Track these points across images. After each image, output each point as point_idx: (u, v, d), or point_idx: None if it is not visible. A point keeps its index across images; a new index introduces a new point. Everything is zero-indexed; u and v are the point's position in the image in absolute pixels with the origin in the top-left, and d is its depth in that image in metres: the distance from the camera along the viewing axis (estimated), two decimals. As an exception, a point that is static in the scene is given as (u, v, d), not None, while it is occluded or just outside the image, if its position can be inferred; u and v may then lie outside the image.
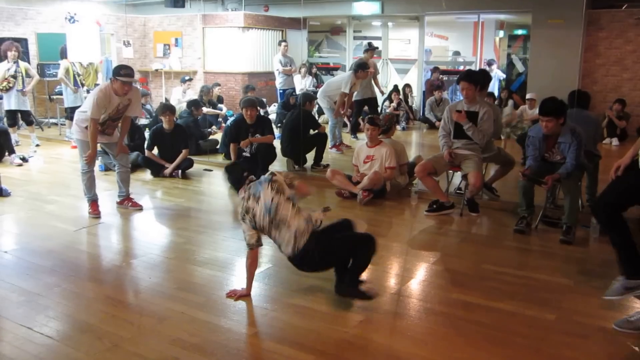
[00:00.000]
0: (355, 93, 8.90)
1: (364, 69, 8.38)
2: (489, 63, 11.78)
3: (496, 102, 9.52)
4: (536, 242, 4.80)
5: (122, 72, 5.03)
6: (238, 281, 3.87)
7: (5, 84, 8.56)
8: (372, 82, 9.43)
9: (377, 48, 9.50)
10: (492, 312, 3.39)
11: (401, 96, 11.59)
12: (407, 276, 3.97)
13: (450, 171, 5.82)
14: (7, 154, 7.79)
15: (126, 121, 5.45)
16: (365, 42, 12.46)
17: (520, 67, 11.37)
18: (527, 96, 9.36)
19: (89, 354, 2.88)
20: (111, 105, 5.12)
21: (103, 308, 3.43)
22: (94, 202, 5.37)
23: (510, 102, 10.21)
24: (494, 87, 10.67)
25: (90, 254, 4.52)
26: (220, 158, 8.09)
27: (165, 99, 11.56)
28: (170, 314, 3.33)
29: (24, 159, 7.86)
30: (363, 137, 6.44)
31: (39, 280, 3.79)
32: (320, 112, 9.65)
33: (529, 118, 9.28)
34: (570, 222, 4.68)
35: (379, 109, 10.47)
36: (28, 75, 8.83)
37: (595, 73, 9.82)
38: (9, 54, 8.54)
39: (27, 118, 9.08)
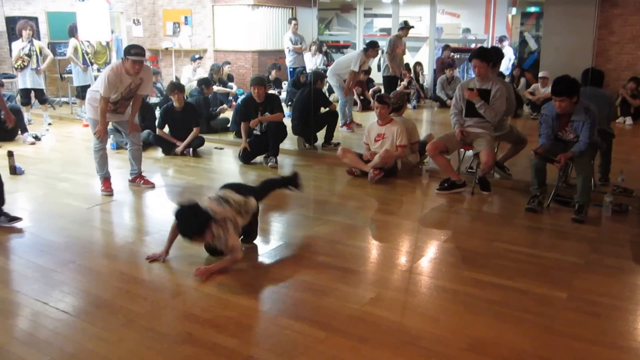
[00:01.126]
0: (386, 69, 8.90)
1: (374, 47, 8.31)
2: (501, 39, 11.61)
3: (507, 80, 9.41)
4: (548, 220, 4.78)
5: (133, 51, 5.03)
6: (250, 257, 3.90)
7: (20, 62, 8.58)
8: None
9: (413, 27, 9.45)
10: (503, 289, 3.40)
11: (412, 74, 11.49)
12: (418, 254, 3.98)
13: (462, 149, 5.79)
14: (20, 132, 7.85)
15: (137, 99, 5.46)
16: (374, 19, 12.33)
17: (533, 44, 11.21)
18: (540, 74, 9.25)
19: (104, 328, 2.93)
20: (123, 85, 5.13)
21: (117, 284, 3.48)
22: (106, 180, 5.40)
23: (523, 80, 10.10)
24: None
25: (104, 231, 4.56)
26: (231, 136, 8.09)
27: (176, 77, 11.54)
28: (183, 290, 3.37)
29: (37, 138, 7.91)
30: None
31: (53, 257, 3.84)
32: (330, 90, 9.60)
33: (541, 96, 9.19)
34: (582, 201, 4.65)
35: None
36: (42, 53, 8.85)
37: (609, 51, 9.67)
38: (24, 32, 8.55)
39: (41, 97, 9.12)
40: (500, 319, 3.05)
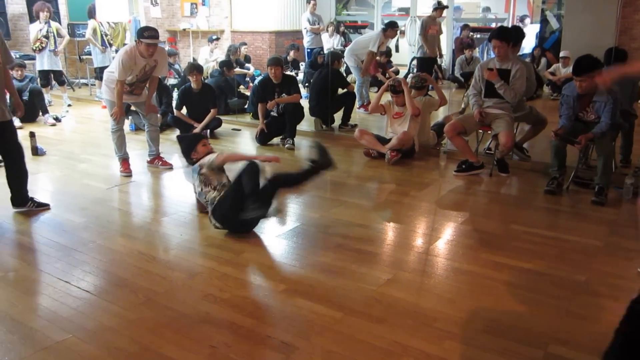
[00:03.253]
0: (420, 50, 8.82)
1: (393, 28, 8.22)
2: (522, 19, 11.39)
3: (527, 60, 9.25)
4: (567, 203, 4.73)
5: (146, 33, 5.02)
6: (266, 239, 3.93)
7: (38, 44, 8.65)
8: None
9: (447, 7, 9.31)
10: (520, 272, 3.38)
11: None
12: (435, 235, 3.97)
13: (480, 131, 5.73)
14: (41, 114, 7.94)
15: (154, 81, 5.47)
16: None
17: (554, 23, 10.93)
18: (561, 54, 9.06)
19: (124, 307, 2.98)
20: (137, 67, 5.14)
21: (136, 263, 3.53)
22: (125, 161, 5.46)
23: (543, 60, 9.91)
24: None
25: (122, 211, 4.62)
26: (248, 118, 8.10)
27: (193, 58, 11.53)
28: (201, 270, 3.41)
29: (57, 119, 8.00)
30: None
31: (74, 236, 3.90)
32: (348, 71, 9.53)
33: (562, 77, 9.02)
34: (603, 183, 4.58)
35: (408, 67, 10.29)
36: (59, 35, 8.90)
37: (633, 29, 9.40)
38: (41, 14, 8.59)
39: (59, 78, 9.20)
40: (517, 301, 3.04)
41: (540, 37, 11.05)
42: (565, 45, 9.31)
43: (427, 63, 8.90)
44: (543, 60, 10.05)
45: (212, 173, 4.11)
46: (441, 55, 9.77)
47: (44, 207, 4.45)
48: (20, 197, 4.38)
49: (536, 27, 11.25)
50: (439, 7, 9.09)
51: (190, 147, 4.28)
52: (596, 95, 4.60)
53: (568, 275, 3.34)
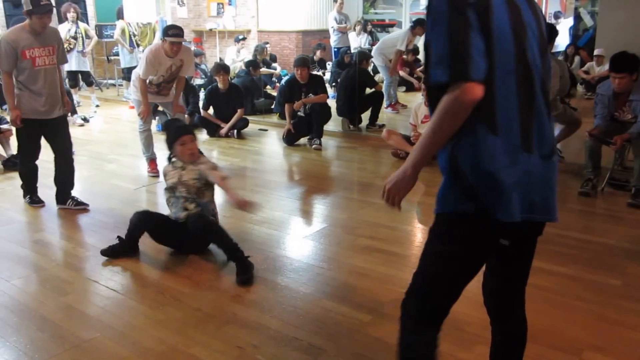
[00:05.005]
0: None
1: (421, 25, 8.11)
2: (556, 16, 11.15)
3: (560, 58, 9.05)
4: (602, 205, 4.60)
5: (171, 32, 5.04)
6: (293, 240, 3.90)
7: (66, 45, 8.76)
8: None
9: None
10: (553, 275, 3.29)
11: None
12: (465, 238, 3.89)
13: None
14: (70, 114, 8.06)
15: (181, 81, 5.50)
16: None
17: (588, 20, 10.68)
18: (596, 52, 8.83)
19: (151, 307, 2.98)
20: (162, 67, 5.15)
21: (163, 264, 3.53)
22: (152, 161, 5.49)
23: (577, 58, 9.69)
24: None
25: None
26: (275, 118, 8.10)
27: (220, 58, 11.60)
28: (228, 271, 3.39)
29: (86, 119, 8.12)
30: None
31: (102, 236, 3.93)
32: (375, 70, 9.46)
33: (596, 75, 8.80)
34: (639, 184, 4.44)
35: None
36: (87, 36, 9.01)
37: (671, 26, 9.12)
38: (69, 15, 8.71)
39: (87, 79, 9.32)
40: (551, 306, 2.95)
41: (574, 35, 10.80)
42: (599, 43, 9.04)
43: None
44: (576, 59, 9.83)
45: (194, 184, 3.58)
46: None
47: (83, 206, 4.53)
48: (63, 195, 4.53)
49: (569, 24, 11.01)
50: None
51: (170, 141, 3.70)
52: (633, 94, 4.46)
53: (603, 279, 3.24)
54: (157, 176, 5.40)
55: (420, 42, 10.12)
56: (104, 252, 3.57)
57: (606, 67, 8.18)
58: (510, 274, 1.94)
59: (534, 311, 2.89)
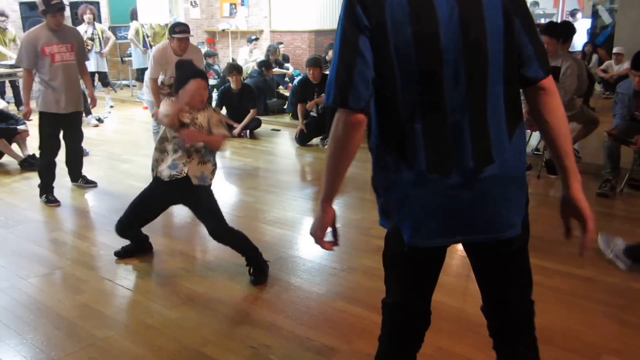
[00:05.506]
0: None
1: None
2: (572, 13, 11.02)
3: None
4: (621, 206, 4.53)
5: (177, 29, 5.08)
6: (306, 240, 3.89)
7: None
8: None
9: None
10: (570, 278, 3.24)
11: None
12: (480, 239, 3.85)
13: (528, 131, 5.55)
14: (84, 114, 8.10)
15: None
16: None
17: (606, 18, 10.51)
18: (614, 50, 8.70)
19: (166, 306, 2.99)
20: (171, 66, 5.13)
21: (177, 263, 3.54)
22: (166, 161, 5.51)
23: (595, 57, 9.55)
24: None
25: (164, 212, 4.65)
26: (287, 118, 8.10)
27: (232, 59, 11.63)
28: (241, 271, 3.38)
29: (100, 120, 8.17)
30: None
31: (116, 236, 3.93)
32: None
33: (615, 74, 8.67)
34: (659, 185, 4.38)
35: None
36: (104, 37, 9.07)
37: (690, 24, 8.98)
38: (85, 17, 8.77)
39: (104, 79, 9.37)
40: (567, 308, 2.91)
41: (592, 33, 10.66)
42: (618, 41, 8.91)
43: None
44: (595, 57, 9.70)
45: (206, 128, 3.28)
46: None
47: (92, 184, 5.08)
48: (74, 174, 5.03)
49: (587, 22, 10.86)
50: None
51: (182, 80, 3.28)
52: (653, 93, 4.40)
53: (622, 282, 3.19)
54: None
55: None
56: (117, 255, 3.58)
57: (625, 65, 8.08)
58: (499, 294, 1.81)
59: (550, 313, 2.86)
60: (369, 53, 1.43)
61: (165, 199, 3.44)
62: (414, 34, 1.40)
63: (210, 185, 3.37)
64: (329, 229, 1.72)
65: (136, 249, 3.60)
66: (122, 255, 3.58)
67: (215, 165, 3.38)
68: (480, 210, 1.52)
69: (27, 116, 4.54)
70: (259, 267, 3.28)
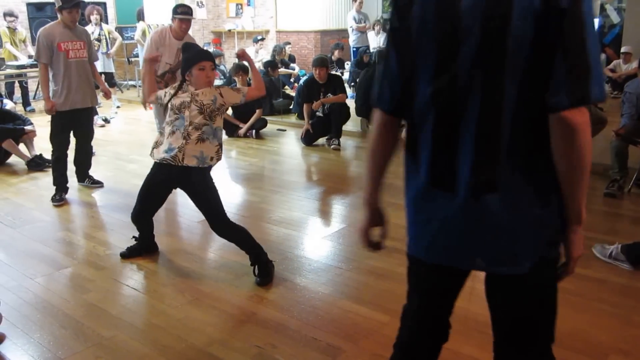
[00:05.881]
0: None
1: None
2: None
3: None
4: (628, 207, 4.50)
5: (180, 10, 5.08)
6: (312, 240, 3.88)
7: (91, 47, 8.88)
8: None
9: None
10: (578, 278, 3.20)
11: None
12: (486, 239, 3.83)
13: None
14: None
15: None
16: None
17: (614, 17, 10.43)
18: (622, 49, 8.66)
19: (171, 306, 2.99)
20: (168, 51, 5.08)
21: (183, 263, 3.54)
22: (172, 161, 5.51)
23: (603, 56, 9.50)
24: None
25: (170, 211, 4.66)
26: (293, 118, 8.10)
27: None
28: (246, 271, 3.38)
29: (106, 120, 8.20)
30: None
31: (122, 236, 3.95)
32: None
33: (623, 73, 8.62)
34: (667, 185, 4.35)
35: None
36: (111, 37, 9.10)
37: (699, 23, 8.91)
38: (92, 17, 8.81)
39: (111, 80, 9.42)
40: (575, 309, 2.89)
41: (600, 32, 10.59)
42: (626, 40, 8.85)
43: None
44: (602, 56, 9.65)
45: (208, 105, 3.21)
46: None
47: (99, 184, 5.11)
48: (81, 174, 5.04)
49: (595, 21, 10.78)
50: None
51: (188, 64, 3.26)
52: (661, 93, 4.37)
53: (630, 282, 3.16)
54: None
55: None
56: (122, 255, 3.59)
57: (633, 64, 8.03)
58: (505, 326, 1.68)
59: (558, 314, 2.84)
60: (397, 52, 1.45)
61: (163, 182, 3.39)
62: (434, 35, 1.36)
63: (210, 167, 3.29)
64: (379, 230, 1.70)
65: (141, 248, 3.60)
66: (127, 255, 3.59)
67: (220, 146, 3.28)
68: (474, 237, 1.44)
69: (51, 111, 4.57)
70: (264, 267, 3.28)
